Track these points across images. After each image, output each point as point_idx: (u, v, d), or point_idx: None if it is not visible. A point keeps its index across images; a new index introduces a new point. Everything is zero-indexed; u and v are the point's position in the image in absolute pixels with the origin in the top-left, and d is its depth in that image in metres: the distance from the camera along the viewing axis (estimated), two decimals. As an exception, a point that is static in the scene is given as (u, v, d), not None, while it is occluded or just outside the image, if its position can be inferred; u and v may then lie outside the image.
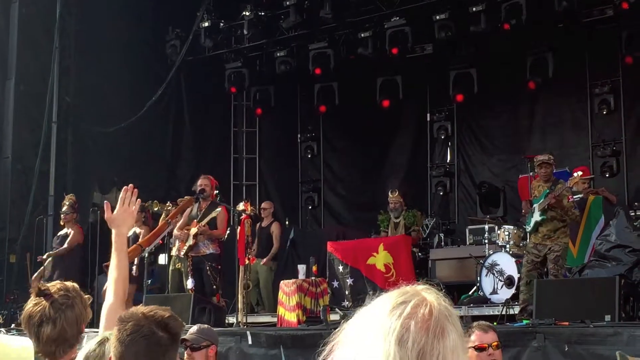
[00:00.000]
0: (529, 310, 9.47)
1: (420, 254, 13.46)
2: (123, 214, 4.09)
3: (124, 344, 2.72)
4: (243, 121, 18.33)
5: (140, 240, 11.14)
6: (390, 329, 1.61)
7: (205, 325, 6.63)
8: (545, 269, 10.10)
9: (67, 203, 12.94)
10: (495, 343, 5.22)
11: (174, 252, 11.80)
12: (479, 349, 5.44)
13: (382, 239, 12.90)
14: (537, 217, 9.94)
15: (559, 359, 7.70)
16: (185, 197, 11.82)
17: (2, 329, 11.44)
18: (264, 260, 13.35)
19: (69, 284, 3.54)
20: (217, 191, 11.83)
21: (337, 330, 1.69)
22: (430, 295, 1.69)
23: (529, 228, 10.23)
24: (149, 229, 11.79)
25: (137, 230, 12.28)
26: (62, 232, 13.03)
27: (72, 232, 12.80)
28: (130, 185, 4.18)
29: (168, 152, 16.68)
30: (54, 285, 3.47)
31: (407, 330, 1.60)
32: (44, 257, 12.95)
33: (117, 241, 4.02)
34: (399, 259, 12.32)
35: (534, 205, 10.06)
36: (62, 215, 13.00)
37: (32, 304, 3.38)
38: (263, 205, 14.22)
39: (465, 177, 16.47)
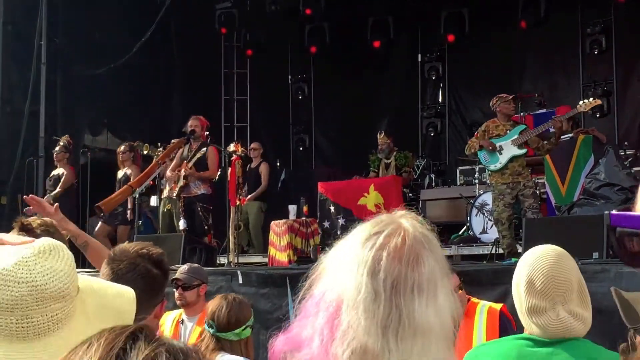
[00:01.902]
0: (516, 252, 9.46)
1: (410, 194, 13.52)
2: (53, 217, 4.03)
3: (120, 283, 2.73)
4: (233, 62, 18.21)
5: (130, 181, 11.19)
6: (362, 261, 1.59)
7: (196, 265, 6.68)
8: (521, 208, 9.94)
9: (61, 143, 12.88)
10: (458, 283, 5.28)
11: (165, 193, 11.82)
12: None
13: (372, 180, 12.92)
14: (514, 151, 9.79)
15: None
16: (174, 140, 11.80)
17: None
18: (249, 196, 13.26)
19: (47, 219, 3.55)
20: (208, 132, 11.81)
21: (316, 264, 1.68)
22: (406, 222, 1.66)
23: (494, 167, 9.93)
24: (139, 170, 11.81)
25: (128, 171, 12.30)
26: (54, 173, 12.97)
27: (65, 173, 12.76)
28: (30, 195, 4.20)
29: (158, 94, 16.60)
30: (35, 221, 3.48)
31: (379, 262, 1.58)
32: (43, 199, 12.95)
33: (76, 232, 4.01)
34: (390, 199, 12.34)
35: (499, 144, 9.89)
36: (54, 154, 12.95)
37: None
38: (252, 145, 14.20)
39: (457, 118, 16.48)
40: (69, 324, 1.51)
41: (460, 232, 12.33)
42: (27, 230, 3.38)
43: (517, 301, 2.89)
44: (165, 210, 11.82)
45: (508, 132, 9.95)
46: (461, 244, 11.61)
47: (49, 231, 3.41)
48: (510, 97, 10.26)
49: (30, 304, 1.47)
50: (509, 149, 9.81)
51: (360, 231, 1.67)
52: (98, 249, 3.91)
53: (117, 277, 2.72)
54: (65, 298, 1.50)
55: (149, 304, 2.75)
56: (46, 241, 1.57)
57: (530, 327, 2.83)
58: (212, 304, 4.57)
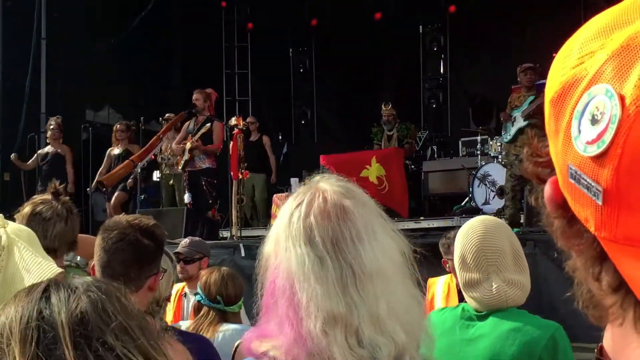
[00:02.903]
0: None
1: (412, 166, 13.50)
2: None
3: (110, 253, 2.72)
4: (234, 36, 18.14)
5: (132, 156, 11.19)
6: (295, 234, 1.59)
7: (197, 238, 6.69)
8: None
9: (52, 123, 12.88)
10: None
11: (166, 169, 11.81)
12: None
13: (374, 152, 12.91)
14: (520, 123, 9.80)
15: (548, 266, 7.82)
16: (169, 114, 11.77)
17: None
18: (273, 177, 13.59)
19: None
20: (213, 105, 11.74)
21: (258, 260, 1.67)
22: (323, 184, 1.66)
23: (506, 139, 10.07)
24: (140, 147, 11.79)
25: (129, 147, 12.29)
26: (44, 151, 12.96)
27: (67, 152, 12.77)
28: None
29: (159, 69, 16.55)
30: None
31: (311, 229, 1.58)
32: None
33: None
34: (392, 171, 12.35)
35: (514, 115, 9.92)
36: (48, 133, 12.94)
37: (39, 203, 3.41)
38: (248, 119, 14.18)
39: (459, 89, 16.41)
40: None
41: (462, 204, 12.33)
42: (58, 195, 3.42)
43: (458, 277, 2.91)
44: (167, 185, 11.82)
45: (523, 103, 9.95)
46: (463, 215, 11.59)
47: (69, 203, 3.49)
48: (525, 67, 10.21)
49: None
50: (518, 121, 9.83)
51: (284, 209, 1.66)
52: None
53: (107, 245, 2.72)
54: None
55: (140, 275, 2.74)
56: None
57: (469, 300, 2.87)
58: (212, 279, 4.59)
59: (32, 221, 3.32)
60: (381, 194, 11.88)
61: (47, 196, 3.47)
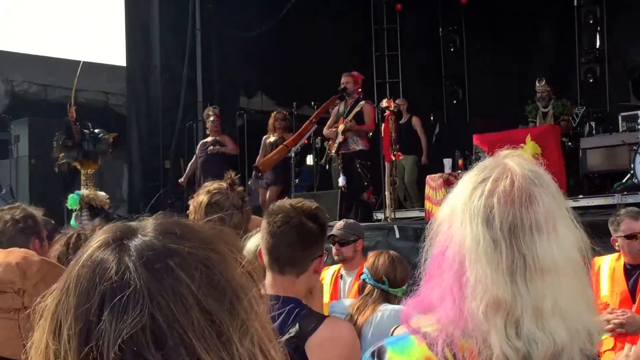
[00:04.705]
0: None
1: (570, 143, 13.10)
2: None
3: (275, 236, 2.79)
4: (383, 18, 18.11)
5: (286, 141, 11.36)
6: (475, 211, 1.55)
7: (351, 220, 6.72)
8: None
9: (210, 113, 13.06)
10: None
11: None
12: (629, 236, 5.29)
13: (529, 130, 12.60)
14: None
15: None
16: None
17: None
18: (423, 158, 13.55)
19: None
20: (360, 88, 11.77)
21: (430, 222, 1.64)
22: (512, 162, 1.61)
23: None
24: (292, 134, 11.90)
25: (285, 137, 12.35)
26: (207, 140, 13.16)
27: (231, 146, 12.91)
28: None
29: (309, 53, 16.72)
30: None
31: (491, 209, 1.54)
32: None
33: None
34: (548, 149, 12.01)
35: None
36: (207, 125, 13.21)
37: (215, 193, 3.49)
38: (397, 101, 14.09)
39: (617, 62, 15.80)
40: None
41: (623, 180, 11.87)
42: (233, 185, 3.53)
43: None
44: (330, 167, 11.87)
45: None
46: (625, 193, 11.18)
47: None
48: None
49: None
50: None
51: (467, 180, 1.62)
52: None
53: (272, 229, 2.79)
54: None
55: (305, 257, 2.79)
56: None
57: None
58: (380, 261, 4.67)
59: (209, 211, 3.41)
60: (537, 172, 11.61)
61: (220, 184, 3.53)
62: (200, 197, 3.48)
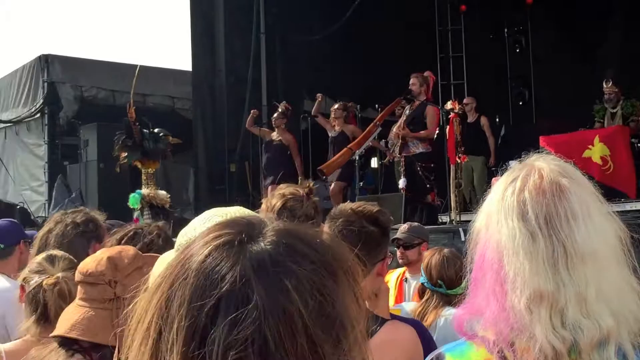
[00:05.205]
0: None
1: (639, 144, 12.87)
2: None
3: (337, 240, 2.78)
4: (448, 19, 17.99)
5: (350, 144, 11.35)
6: (508, 208, 1.58)
7: (416, 223, 6.69)
8: None
9: (280, 109, 13.10)
10: None
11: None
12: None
13: (597, 131, 12.40)
14: None
15: None
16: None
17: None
18: (491, 159, 13.37)
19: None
20: (430, 89, 11.63)
21: (468, 234, 1.66)
22: (539, 161, 1.65)
23: None
24: (360, 130, 11.88)
25: (344, 128, 12.30)
26: (272, 137, 13.23)
27: (290, 143, 12.94)
28: None
29: (373, 55, 16.70)
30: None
31: (524, 204, 1.57)
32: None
33: None
34: (617, 150, 11.81)
35: None
36: (272, 120, 13.25)
37: (290, 199, 3.49)
38: (465, 100, 13.97)
39: (688, 61, 15.46)
40: None
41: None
42: (310, 194, 3.54)
43: None
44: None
45: None
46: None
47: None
48: None
49: None
50: None
51: (498, 185, 1.66)
52: None
53: (334, 234, 2.78)
54: None
55: (367, 261, 2.78)
56: (239, 211, 1.66)
57: None
58: (433, 263, 4.60)
59: (281, 216, 3.41)
60: (605, 174, 11.42)
61: (296, 190, 3.50)
62: (274, 200, 3.46)
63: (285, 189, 3.54)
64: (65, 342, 2.37)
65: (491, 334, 1.55)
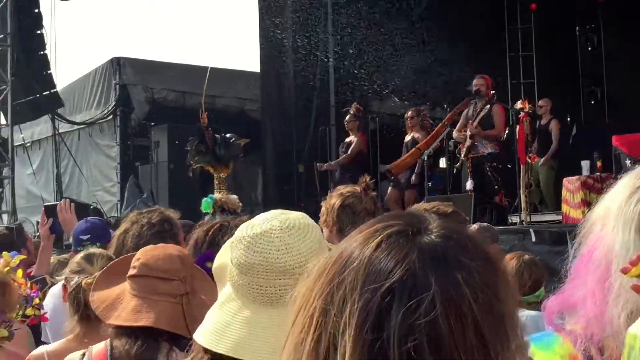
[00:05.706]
0: None
1: None
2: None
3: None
4: (517, 17, 17.79)
5: (418, 144, 11.32)
6: (629, 217, 1.49)
7: (485, 224, 6.65)
8: None
9: (351, 111, 13.09)
10: None
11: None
12: None
13: (672, 130, 12.13)
14: None
15: None
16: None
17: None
18: (542, 160, 13.06)
19: None
20: (493, 91, 11.59)
21: (583, 221, 1.60)
22: None
23: None
24: (427, 133, 11.85)
25: (415, 135, 12.31)
26: (347, 140, 13.16)
27: (355, 140, 12.98)
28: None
29: (442, 55, 16.58)
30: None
31: None
32: (328, 165, 13.31)
33: None
34: (694, 149, 11.55)
35: None
36: (345, 123, 13.24)
37: (348, 196, 3.50)
38: (540, 102, 13.78)
39: None
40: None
41: None
42: (367, 189, 3.54)
43: None
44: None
45: None
46: None
47: None
48: None
49: (259, 273, 1.58)
50: None
51: (624, 184, 1.57)
52: None
53: None
54: (294, 277, 1.55)
55: None
56: (301, 217, 1.66)
57: None
58: (508, 268, 4.54)
59: (342, 214, 3.42)
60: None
61: (353, 188, 3.53)
62: (333, 200, 3.47)
63: (343, 188, 3.55)
64: (143, 333, 2.44)
65: (580, 328, 1.52)
